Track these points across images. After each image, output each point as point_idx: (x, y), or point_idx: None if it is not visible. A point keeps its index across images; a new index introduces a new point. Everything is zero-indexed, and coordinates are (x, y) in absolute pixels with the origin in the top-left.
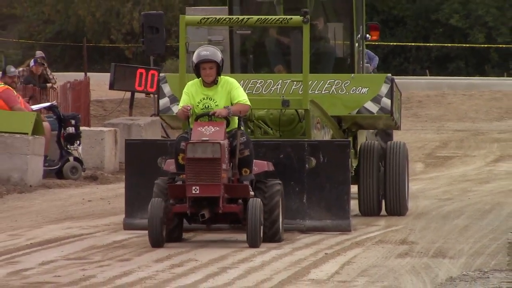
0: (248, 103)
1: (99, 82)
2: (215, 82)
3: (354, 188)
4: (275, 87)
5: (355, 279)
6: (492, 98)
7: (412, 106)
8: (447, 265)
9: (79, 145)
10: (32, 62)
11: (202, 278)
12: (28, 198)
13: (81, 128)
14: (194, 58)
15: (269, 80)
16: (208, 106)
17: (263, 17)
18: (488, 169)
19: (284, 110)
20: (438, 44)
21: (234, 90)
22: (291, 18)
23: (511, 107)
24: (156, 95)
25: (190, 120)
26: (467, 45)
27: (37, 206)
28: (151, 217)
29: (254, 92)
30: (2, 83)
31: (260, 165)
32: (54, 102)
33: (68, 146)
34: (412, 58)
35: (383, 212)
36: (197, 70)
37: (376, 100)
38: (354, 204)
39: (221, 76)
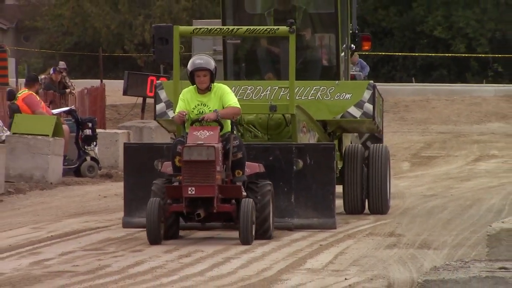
0: (238, 106)
1: (113, 89)
2: (208, 89)
3: (339, 188)
4: (264, 93)
5: (348, 268)
6: (472, 103)
7: (399, 111)
8: (431, 255)
9: (95, 146)
10: (52, 70)
11: (208, 267)
12: (49, 195)
13: (97, 130)
14: (189, 66)
15: (258, 87)
16: (202, 112)
17: (252, 27)
18: (469, 168)
19: (272, 115)
20: (423, 54)
21: (225, 95)
22: (278, 29)
23: (490, 111)
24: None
25: (186, 124)
26: (449, 54)
27: (57, 202)
28: (149, 216)
29: (244, 97)
30: (26, 89)
31: (252, 167)
32: (72, 106)
33: (85, 147)
34: (399, 66)
35: (366, 210)
36: (191, 77)
37: (359, 105)
38: (339, 203)
39: (214, 83)
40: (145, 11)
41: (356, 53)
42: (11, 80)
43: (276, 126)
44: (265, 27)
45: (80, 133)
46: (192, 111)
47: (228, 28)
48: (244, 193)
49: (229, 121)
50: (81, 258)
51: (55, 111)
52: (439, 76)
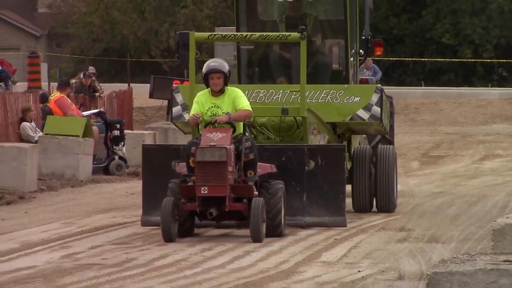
0: (249, 109)
1: (140, 92)
2: (222, 91)
3: (348, 187)
4: (276, 96)
5: (360, 261)
6: (478, 106)
7: (410, 113)
8: (440, 249)
9: (123, 146)
10: (82, 75)
11: (229, 260)
12: (79, 192)
13: (125, 131)
14: (204, 69)
15: (271, 90)
16: (215, 114)
17: (264, 33)
18: (475, 166)
19: (284, 118)
20: (431, 59)
21: (237, 99)
22: (290, 35)
23: (495, 113)
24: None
25: (200, 126)
26: (457, 60)
27: (87, 199)
28: (163, 215)
29: (257, 101)
30: (58, 92)
31: (264, 168)
32: (101, 108)
33: (113, 147)
34: (409, 71)
35: (374, 208)
36: (206, 80)
37: (367, 108)
38: (348, 202)
39: (228, 86)
40: (170, 19)
41: (369, 58)
42: (44, 84)
43: (288, 128)
44: (277, 34)
45: (108, 133)
46: (206, 113)
47: (242, 34)
48: (256, 193)
49: (241, 123)
50: (109, 252)
51: (85, 113)
52: (447, 80)
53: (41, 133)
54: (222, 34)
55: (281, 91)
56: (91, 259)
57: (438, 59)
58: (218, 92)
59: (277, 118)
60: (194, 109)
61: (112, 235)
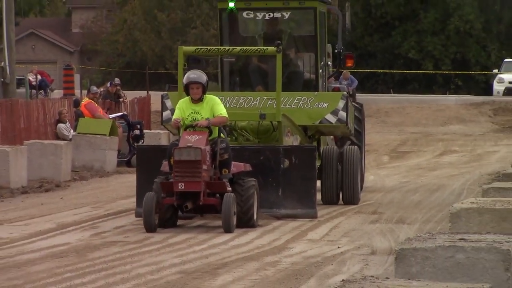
0: (226, 115)
1: (157, 98)
2: (201, 99)
3: (318, 183)
4: (254, 102)
5: (340, 239)
6: (438, 110)
7: (381, 116)
8: (406, 229)
9: (142, 143)
10: (108, 84)
11: (230, 238)
12: (106, 181)
13: (144, 131)
14: (184, 80)
15: (249, 97)
16: (195, 119)
17: (245, 47)
18: (435, 160)
19: (262, 122)
20: (399, 71)
21: (216, 106)
22: (267, 49)
23: (452, 116)
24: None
25: (180, 129)
26: (420, 71)
27: (112, 187)
28: (145, 208)
29: (238, 106)
30: (87, 98)
31: (238, 166)
32: (125, 112)
33: (135, 144)
34: (381, 81)
35: (340, 201)
36: (186, 89)
37: (335, 112)
38: (318, 195)
39: (206, 95)
40: (182, 38)
41: (346, 70)
42: (76, 92)
43: (265, 131)
44: (256, 48)
45: (130, 133)
46: (187, 118)
47: (225, 48)
48: (229, 189)
49: (217, 128)
50: (131, 231)
51: (111, 115)
52: (412, 89)
53: (74, 133)
54: (207, 48)
55: (259, 98)
56: (116, 237)
57: (405, 71)
58: (197, 100)
59: (255, 122)
60: (176, 114)
61: (133, 217)
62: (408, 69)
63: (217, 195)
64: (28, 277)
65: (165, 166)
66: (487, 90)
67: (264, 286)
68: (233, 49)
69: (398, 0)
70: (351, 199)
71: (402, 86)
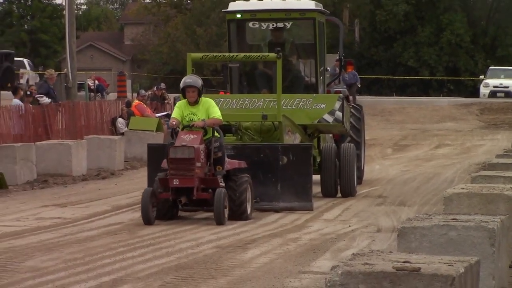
0: (220, 117)
1: None
2: (197, 102)
3: (317, 177)
4: (258, 104)
5: (351, 219)
6: (433, 110)
7: (385, 115)
8: (406, 210)
9: None
10: (155, 88)
11: (257, 218)
12: None
13: None
14: (181, 84)
15: (254, 99)
16: (192, 119)
17: (248, 54)
18: (431, 152)
19: (264, 122)
20: (400, 77)
21: (211, 108)
22: (268, 55)
23: (445, 115)
24: None
25: (180, 128)
26: (418, 77)
27: None
28: (142, 202)
29: (243, 107)
30: (137, 100)
31: (232, 163)
32: (169, 111)
33: None
34: (385, 85)
35: (339, 194)
36: (183, 92)
37: (331, 113)
38: (318, 188)
39: (202, 97)
40: (217, 49)
41: (352, 66)
42: (128, 94)
43: (267, 131)
44: (258, 54)
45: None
46: (185, 118)
47: (230, 55)
48: (222, 184)
49: (211, 128)
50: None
51: (157, 115)
52: (411, 92)
53: (126, 129)
54: (213, 55)
55: (262, 100)
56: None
57: (405, 77)
58: (194, 103)
59: (258, 122)
60: (175, 113)
61: None
62: (407, 75)
63: (210, 190)
64: (87, 251)
65: (164, 163)
66: (475, 93)
67: (287, 259)
68: (237, 55)
69: (399, 17)
70: (348, 192)
71: (403, 89)
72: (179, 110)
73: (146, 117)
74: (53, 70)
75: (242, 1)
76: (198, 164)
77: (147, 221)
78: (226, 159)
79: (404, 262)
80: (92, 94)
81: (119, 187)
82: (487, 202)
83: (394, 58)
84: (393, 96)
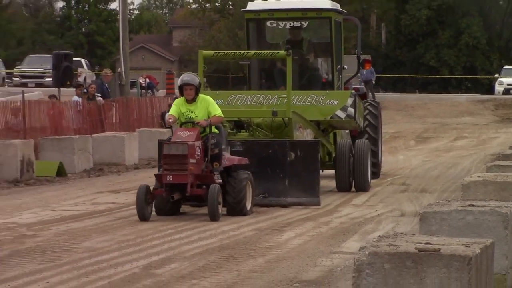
0: (222, 115)
1: None
2: (194, 100)
3: (333, 172)
4: (271, 100)
5: (377, 204)
6: (452, 105)
7: (408, 110)
8: (428, 197)
9: None
10: None
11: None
12: None
13: None
14: (179, 81)
15: (268, 96)
16: (189, 117)
17: (258, 52)
18: (450, 144)
19: (274, 118)
20: (422, 76)
21: (210, 106)
22: (278, 52)
23: (463, 110)
24: None
25: (178, 125)
26: (438, 76)
27: None
28: (137, 199)
29: (257, 104)
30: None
31: (231, 160)
32: None
33: None
34: (408, 83)
35: (353, 188)
36: (181, 90)
37: (344, 109)
38: (333, 183)
39: (199, 95)
40: None
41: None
42: (176, 91)
43: (278, 127)
44: (269, 52)
45: None
46: (182, 115)
47: (241, 52)
48: (219, 180)
49: (208, 126)
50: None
51: None
52: (432, 89)
53: None
54: (224, 52)
55: (276, 96)
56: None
57: (427, 76)
58: (191, 100)
59: (268, 119)
60: (172, 110)
61: None
62: (429, 74)
63: (204, 186)
64: (138, 233)
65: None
66: (490, 90)
67: (319, 240)
68: (247, 53)
69: (422, 21)
70: (362, 186)
71: (425, 87)
72: (176, 108)
73: None
74: (110, 70)
75: (260, 1)
76: (193, 161)
77: (142, 217)
78: (227, 155)
79: (426, 243)
80: (143, 91)
81: None
82: (501, 189)
83: (417, 58)
84: (416, 93)
